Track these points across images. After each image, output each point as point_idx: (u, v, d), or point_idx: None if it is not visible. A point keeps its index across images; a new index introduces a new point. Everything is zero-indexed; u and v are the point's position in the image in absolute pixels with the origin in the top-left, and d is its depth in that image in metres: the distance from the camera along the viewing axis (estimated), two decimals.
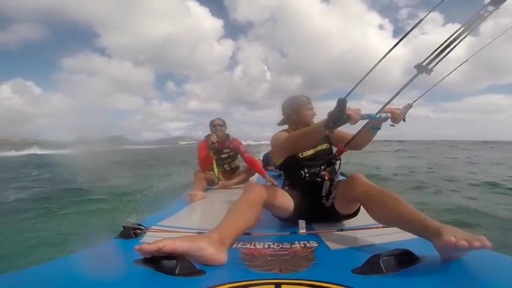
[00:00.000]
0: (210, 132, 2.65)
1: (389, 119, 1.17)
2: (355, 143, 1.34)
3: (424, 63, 0.99)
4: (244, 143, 2.84)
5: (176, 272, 0.74)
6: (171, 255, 0.79)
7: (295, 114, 1.51)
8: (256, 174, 2.73)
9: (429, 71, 1.00)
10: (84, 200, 3.96)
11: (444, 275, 0.71)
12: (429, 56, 0.98)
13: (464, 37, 0.92)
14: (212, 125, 2.66)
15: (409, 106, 1.29)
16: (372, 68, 0.99)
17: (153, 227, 1.26)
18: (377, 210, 1.03)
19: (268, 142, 1.58)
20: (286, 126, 1.61)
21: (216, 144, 2.52)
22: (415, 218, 0.88)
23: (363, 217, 1.19)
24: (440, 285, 0.69)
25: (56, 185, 5.30)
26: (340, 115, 0.92)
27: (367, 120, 1.12)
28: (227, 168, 2.75)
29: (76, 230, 2.64)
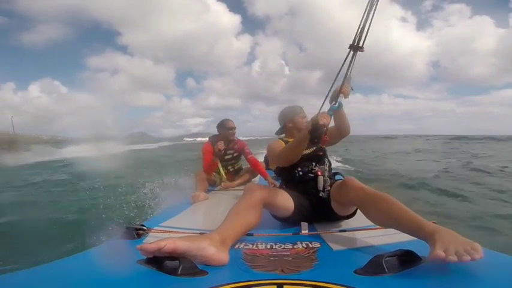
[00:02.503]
0: (217, 133, 2.61)
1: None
2: (339, 129, 1.46)
3: (355, 44, 1.14)
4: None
5: (178, 272, 0.74)
6: (172, 255, 0.79)
7: (290, 122, 1.63)
8: (259, 175, 2.72)
9: (361, 49, 1.15)
10: (85, 200, 3.98)
11: (447, 275, 0.71)
12: (356, 36, 1.13)
13: (374, 12, 1.07)
14: (227, 127, 2.53)
15: (350, 77, 1.35)
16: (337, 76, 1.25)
17: (155, 228, 1.27)
18: (372, 213, 1.04)
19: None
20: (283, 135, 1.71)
21: (222, 152, 2.48)
22: (410, 220, 0.89)
23: (365, 218, 1.19)
24: (443, 286, 0.69)
25: (58, 186, 5.33)
26: (318, 132, 1.14)
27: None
28: (230, 170, 2.73)
29: (78, 230, 2.65)
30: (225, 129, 2.56)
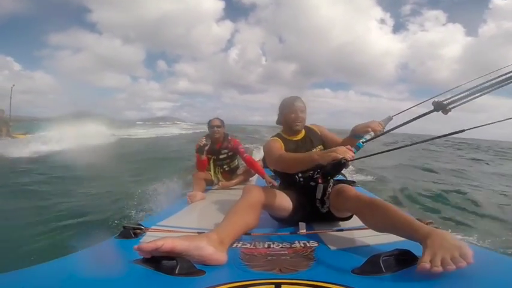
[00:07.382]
0: (207, 131, 2.60)
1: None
2: None
3: (444, 102, 0.97)
4: None
5: (176, 272, 0.74)
6: (170, 255, 0.79)
7: (283, 116, 1.54)
8: (256, 174, 2.72)
9: (447, 111, 0.97)
10: (83, 199, 3.95)
11: (444, 275, 0.71)
12: (452, 97, 0.97)
13: (490, 91, 0.90)
14: (210, 126, 2.56)
15: (390, 118, 1.35)
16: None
17: (153, 227, 1.26)
18: (368, 220, 1.05)
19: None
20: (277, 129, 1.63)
21: (207, 147, 2.46)
22: (405, 224, 0.90)
23: None
24: (439, 286, 0.69)
25: (52, 182, 5.23)
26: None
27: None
28: (226, 169, 2.72)
29: (75, 229, 2.63)
30: (208, 127, 2.58)
